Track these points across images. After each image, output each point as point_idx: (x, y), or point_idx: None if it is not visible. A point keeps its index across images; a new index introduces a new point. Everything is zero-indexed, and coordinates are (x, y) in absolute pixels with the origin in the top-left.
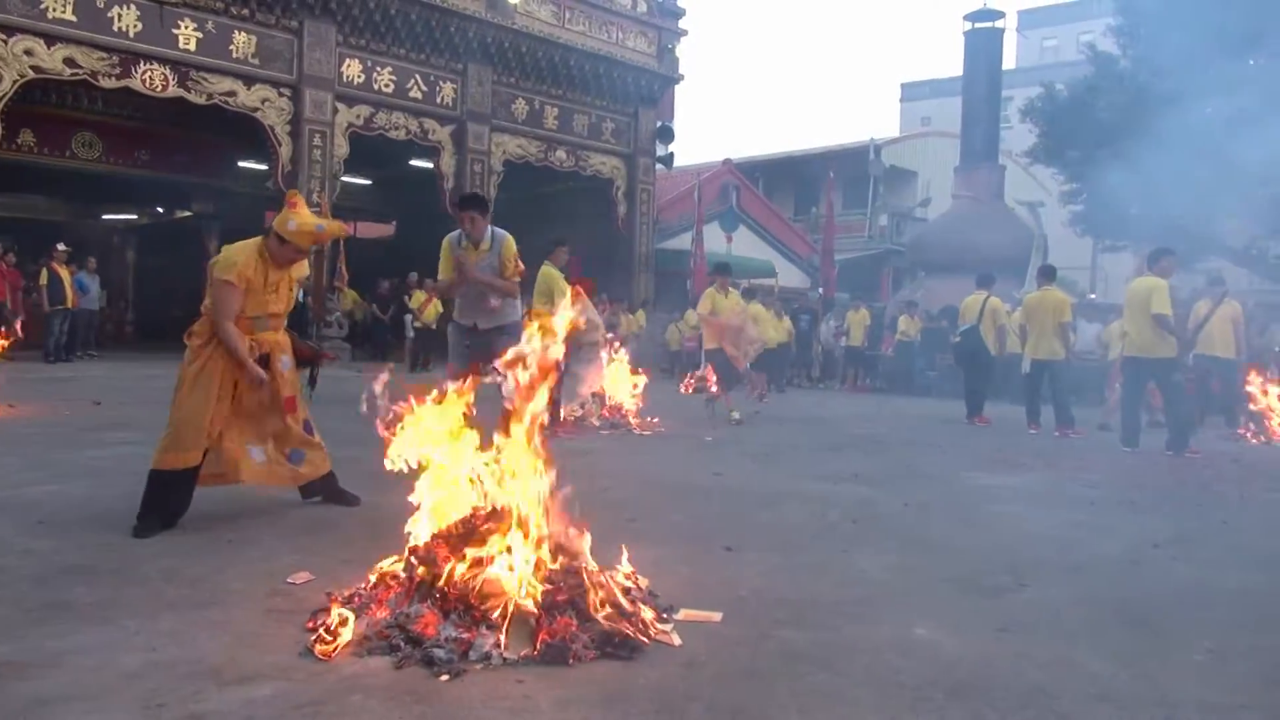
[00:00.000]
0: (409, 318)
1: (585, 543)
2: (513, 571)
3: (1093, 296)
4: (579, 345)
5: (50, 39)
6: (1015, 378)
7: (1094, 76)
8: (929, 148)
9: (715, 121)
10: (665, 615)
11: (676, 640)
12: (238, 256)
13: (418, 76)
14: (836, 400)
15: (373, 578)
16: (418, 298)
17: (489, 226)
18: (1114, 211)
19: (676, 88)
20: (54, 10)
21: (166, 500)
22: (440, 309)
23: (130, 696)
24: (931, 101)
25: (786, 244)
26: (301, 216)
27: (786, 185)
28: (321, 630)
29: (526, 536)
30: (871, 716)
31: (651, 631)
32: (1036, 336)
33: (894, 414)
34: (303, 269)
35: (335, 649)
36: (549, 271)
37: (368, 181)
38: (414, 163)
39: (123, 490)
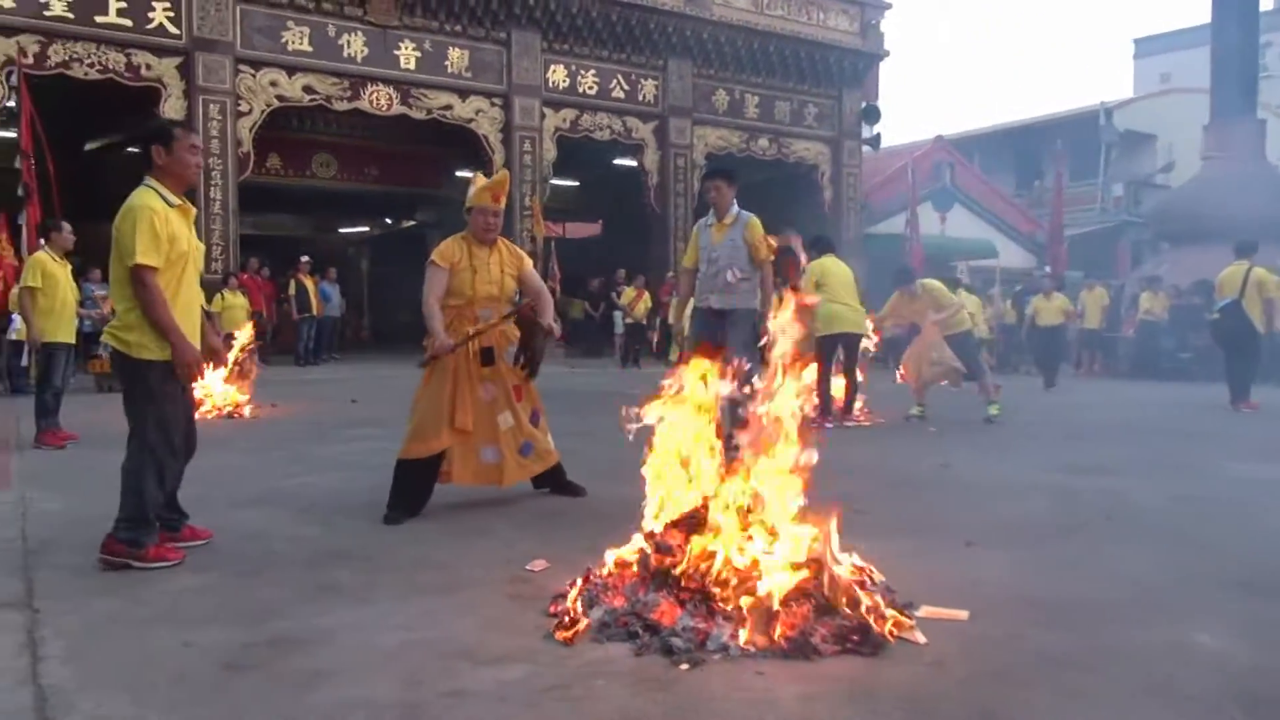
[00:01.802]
0: (618, 314)
1: (826, 533)
2: (750, 561)
3: None
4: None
5: (291, 69)
6: None
7: None
8: (1170, 107)
9: (925, 96)
10: (907, 612)
11: (921, 638)
12: (441, 244)
13: (619, 76)
14: (1070, 386)
15: (609, 565)
16: (627, 294)
17: (735, 204)
18: None
19: (881, 65)
20: (293, 43)
21: (412, 488)
22: (650, 304)
23: (393, 672)
24: (1171, 55)
25: (1008, 221)
26: (476, 183)
27: (1006, 159)
28: (564, 616)
29: (764, 526)
30: None
31: (895, 628)
32: None
33: (1140, 400)
34: (521, 259)
35: (576, 634)
36: (846, 269)
37: (575, 183)
38: (618, 162)
39: (370, 482)
